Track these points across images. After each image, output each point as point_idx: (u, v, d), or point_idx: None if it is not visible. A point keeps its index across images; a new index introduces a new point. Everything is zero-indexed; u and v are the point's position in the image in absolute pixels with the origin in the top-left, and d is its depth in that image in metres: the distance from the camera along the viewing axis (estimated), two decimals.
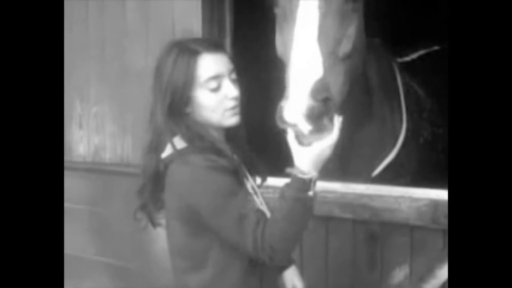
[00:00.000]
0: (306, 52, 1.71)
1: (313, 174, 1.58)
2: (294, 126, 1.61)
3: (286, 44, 1.83)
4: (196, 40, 1.75)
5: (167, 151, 1.66)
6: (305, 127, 1.60)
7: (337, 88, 1.84)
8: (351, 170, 2.58)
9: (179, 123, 1.66)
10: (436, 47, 3.58)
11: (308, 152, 1.59)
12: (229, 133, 1.76)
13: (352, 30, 1.93)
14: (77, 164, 3.35)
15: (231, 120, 1.69)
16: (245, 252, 1.60)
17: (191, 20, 2.78)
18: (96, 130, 3.28)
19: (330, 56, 1.80)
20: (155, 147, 1.69)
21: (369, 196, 2.40)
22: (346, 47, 1.90)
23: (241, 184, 1.67)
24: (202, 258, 1.66)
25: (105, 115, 3.24)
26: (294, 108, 1.61)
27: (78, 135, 3.35)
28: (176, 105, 1.65)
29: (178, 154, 1.64)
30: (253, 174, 1.82)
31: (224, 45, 2.03)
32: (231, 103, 1.67)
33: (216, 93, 1.66)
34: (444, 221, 2.17)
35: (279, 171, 1.78)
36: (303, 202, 1.57)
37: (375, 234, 2.43)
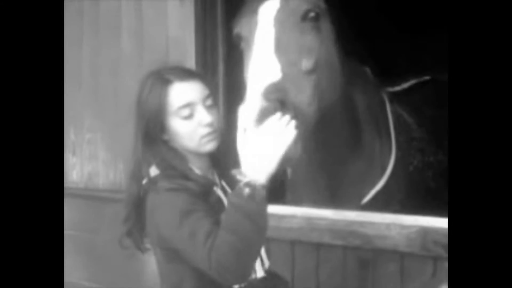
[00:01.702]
0: (263, 62, 1.81)
1: (256, 178, 1.50)
2: (245, 127, 1.60)
3: (247, 65, 1.93)
4: (170, 69, 1.78)
5: (145, 179, 1.70)
6: (254, 128, 1.58)
7: (304, 99, 1.90)
8: (340, 197, 2.60)
9: (156, 151, 1.70)
10: (427, 77, 3.63)
11: (252, 155, 1.53)
12: (213, 158, 1.78)
13: (313, 45, 2.02)
14: (70, 190, 3.35)
15: (207, 146, 1.71)
16: (201, 270, 1.57)
17: (184, 49, 2.84)
18: (89, 157, 3.30)
19: (291, 66, 1.89)
20: (137, 175, 1.72)
21: (360, 223, 2.42)
22: (308, 62, 1.99)
23: (204, 205, 1.64)
24: (179, 284, 1.68)
25: (98, 142, 3.26)
26: (248, 109, 1.63)
27: (72, 162, 3.37)
28: (151, 133, 1.69)
29: (152, 181, 1.67)
30: None
31: (199, 73, 2.07)
32: (206, 130, 1.69)
33: (189, 121, 1.69)
34: (433, 248, 2.19)
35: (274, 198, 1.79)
36: (242, 208, 1.49)
37: (366, 260, 2.43)
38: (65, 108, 3.32)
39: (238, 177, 1.53)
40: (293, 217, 2.56)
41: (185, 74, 1.76)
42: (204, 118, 1.69)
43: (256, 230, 1.51)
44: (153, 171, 1.69)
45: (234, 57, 3.00)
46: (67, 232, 3.31)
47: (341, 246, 2.47)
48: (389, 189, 2.70)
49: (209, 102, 1.73)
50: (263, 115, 1.61)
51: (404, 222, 2.35)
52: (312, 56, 2.00)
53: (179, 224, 1.57)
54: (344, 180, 2.56)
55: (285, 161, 1.56)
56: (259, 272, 1.74)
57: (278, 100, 1.69)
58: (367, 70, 2.89)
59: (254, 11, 1.99)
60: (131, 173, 1.74)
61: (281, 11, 1.97)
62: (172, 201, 1.61)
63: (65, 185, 3.34)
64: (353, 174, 2.58)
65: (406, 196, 2.80)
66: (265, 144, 1.53)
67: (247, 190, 1.49)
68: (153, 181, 1.67)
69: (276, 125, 1.56)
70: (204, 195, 1.67)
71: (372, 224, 2.40)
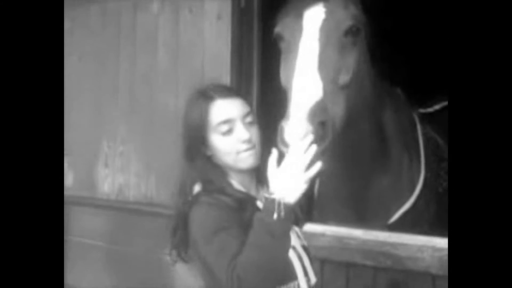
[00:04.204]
0: (307, 78, 1.81)
1: (281, 196, 1.54)
2: (290, 147, 1.62)
3: (289, 74, 1.92)
4: (214, 87, 1.84)
5: (190, 196, 1.75)
6: (299, 150, 1.60)
7: (337, 114, 1.90)
8: (367, 216, 2.58)
9: (198, 167, 1.76)
10: None
11: (281, 173, 1.57)
12: (258, 175, 1.82)
13: (351, 61, 2.02)
14: (100, 201, 3.39)
15: (246, 162, 1.75)
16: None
17: (220, 65, 2.87)
18: (121, 169, 3.33)
19: (330, 84, 1.89)
20: (183, 191, 1.77)
21: (391, 244, 2.39)
22: (345, 76, 1.99)
23: (240, 221, 1.67)
24: None
25: (130, 155, 3.29)
26: (293, 129, 1.65)
27: (104, 173, 3.41)
28: (194, 148, 1.76)
29: (193, 198, 1.72)
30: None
31: (238, 91, 2.11)
32: (244, 146, 1.73)
33: (228, 137, 1.74)
34: None
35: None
36: (266, 225, 1.53)
37: (397, 282, 2.40)
38: (100, 120, 3.41)
39: (266, 195, 1.57)
40: (322, 235, 2.54)
41: (227, 91, 1.82)
42: (242, 134, 1.73)
43: (279, 248, 1.55)
44: (197, 187, 1.74)
45: (269, 75, 3.04)
46: (97, 243, 3.37)
47: (372, 266, 2.44)
48: (417, 209, 2.67)
49: (248, 119, 1.77)
50: (306, 137, 1.63)
51: (437, 244, 2.31)
52: (349, 72, 2.00)
53: (210, 239, 1.60)
54: (372, 198, 2.55)
55: (313, 181, 1.58)
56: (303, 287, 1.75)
57: (322, 123, 1.70)
58: (398, 90, 2.88)
59: (299, 15, 1.98)
60: (178, 189, 1.79)
61: (326, 22, 1.96)
62: (206, 216, 1.65)
63: (96, 196, 3.40)
64: (380, 192, 2.56)
65: (435, 218, 2.76)
66: (297, 164, 1.57)
67: (273, 209, 1.53)
68: (196, 197, 1.71)
69: (309, 147, 1.60)
70: (240, 210, 1.69)
71: (403, 245, 2.37)
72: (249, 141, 1.73)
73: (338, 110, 1.92)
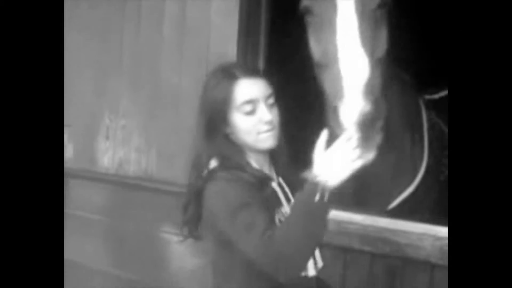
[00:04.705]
0: (352, 55, 1.77)
1: (325, 178, 1.55)
2: (345, 129, 1.60)
3: (326, 49, 1.89)
4: (237, 66, 1.87)
5: (206, 171, 1.75)
6: (355, 133, 1.58)
7: (378, 90, 1.85)
8: (367, 200, 2.57)
9: (216, 143, 1.76)
10: None
11: (329, 156, 1.56)
12: (272, 156, 1.83)
13: (384, 34, 1.99)
14: (99, 175, 3.37)
15: (266, 143, 1.76)
16: (253, 262, 1.60)
17: (226, 43, 2.82)
18: (122, 143, 3.31)
19: (371, 58, 1.84)
20: (197, 166, 1.78)
21: (391, 231, 2.38)
22: (381, 50, 1.95)
23: (260, 198, 1.69)
24: (229, 273, 1.72)
25: (132, 129, 3.26)
26: (350, 109, 1.62)
27: (104, 147, 3.38)
28: (214, 125, 1.76)
29: (211, 172, 1.73)
30: None
31: (261, 72, 2.09)
32: (265, 127, 1.75)
33: (250, 117, 1.74)
34: None
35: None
36: (308, 206, 1.55)
37: (394, 269, 2.39)
38: (102, 92, 3.37)
39: (310, 176, 1.57)
40: None
41: (251, 71, 1.83)
42: (264, 115, 1.74)
43: (318, 229, 1.57)
44: (213, 163, 1.74)
45: (275, 54, 3.00)
46: (94, 216, 3.36)
47: (370, 252, 2.43)
48: (418, 196, 2.66)
49: (270, 100, 1.78)
50: (366, 120, 1.61)
51: (438, 233, 2.30)
52: (384, 45, 1.96)
53: (235, 215, 1.61)
54: (372, 183, 2.52)
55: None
56: (311, 271, 1.77)
57: (376, 100, 1.68)
58: (405, 75, 2.84)
59: None
60: (193, 164, 1.80)
61: None
62: (228, 192, 1.66)
63: (96, 169, 3.38)
64: (381, 177, 2.54)
65: (437, 206, 2.74)
66: (348, 149, 1.56)
67: (317, 190, 1.54)
68: (212, 172, 1.72)
69: (372, 137, 1.61)
70: (259, 188, 1.71)
71: (404, 232, 2.36)
72: (270, 122, 1.75)
73: (379, 88, 1.85)
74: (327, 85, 1.85)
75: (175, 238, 3.17)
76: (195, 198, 1.77)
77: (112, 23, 3.32)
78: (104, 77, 3.38)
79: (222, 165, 1.73)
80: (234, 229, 1.62)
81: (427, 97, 3.25)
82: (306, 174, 1.58)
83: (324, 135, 1.60)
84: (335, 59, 1.80)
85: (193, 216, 1.80)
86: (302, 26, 2.10)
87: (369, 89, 1.68)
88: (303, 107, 2.63)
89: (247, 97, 1.74)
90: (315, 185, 1.54)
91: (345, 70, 1.74)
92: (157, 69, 3.14)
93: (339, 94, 1.71)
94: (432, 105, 3.08)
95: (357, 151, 1.56)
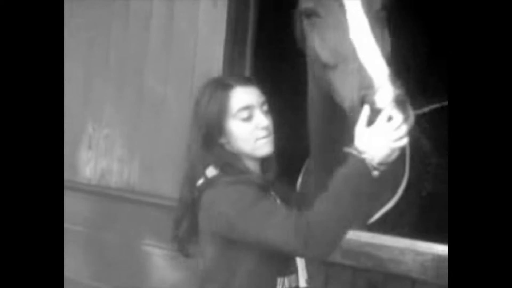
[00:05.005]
0: (369, 51, 1.79)
1: (370, 155, 1.55)
2: (382, 111, 1.59)
3: (335, 49, 1.90)
4: (230, 76, 1.93)
5: (201, 180, 1.75)
6: (396, 113, 1.58)
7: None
8: None
9: (213, 153, 1.77)
10: (447, 103, 3.61)
11: (371, 132, 1.57)
12: (263, 165, 1.83)
13: (387, 34, 2.00)
14: (81, 185, 3.34)
15: (263, 150, 1.78)
16: (276, 248, 1.59)
17: (212, 55, 2.83)
18: (104, 153, 3.28)
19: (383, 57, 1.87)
20: (191, 178, 1.78)
21: (373, 245, 2.38)
22: (386, 50, 1.94)
23: (268, 196, 1.71)
24: (229, 281, 1.71)
25: (115, 138, 3.24)
26: (384, 93, 1.62)
27: (86, 156, 3.35)
28: (210, 136, 1.76)
29: (209, 181, 1.73)
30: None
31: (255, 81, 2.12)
32: (262, 133, 1.77)
33: (247, 123, 1.76)
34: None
35: None
36: (353, 181, 1.55)
37: (376, 283, 2.39)
38: (86, 100, 3.34)
39: (354, 152, 1.57)
40: None
41: (245, 79, 1.87)
42: (261, 121, 1.76)
43: (358, 206, 1.57)
44: (211, 171, 1.75)
45: (261, 67, 3.01)
46: (75, 228, 3.32)
47: (351, 266, 2.43)
48: (399, 211, 2.66)
49: (265, 107, 1.80)
50: (401, 101, 1.60)
51: (419, 248, 2.31)
52: (389, 45, 1.96)
53: (251, 208, 1.61)
54: None
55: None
56: (302, 283, 1.77)
57: (401, 87, 1.68)
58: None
59: None
60: (185, 176, 1.80)
61: None
62: (239, 190, 1.66)
63: (77, 179, 3.34)
64: None
65: (419, 221, 2.75)
66: (388, 128, 1.56)
67: (361, 165, 1.55)
68: (211, 179, 1.72)
69: (408, 113, 1.60)
70: (262, 188, 1.71)
71: (386, 247, 2.37)
72: (267, 128, 1.77)
73: None
74: (338, 83, 1.85)
75: (156, 251, 3.16)
76: (189, 210, 1.77)
77: (98, 31, 3.31)
78: (88, 84, 3.36)
79: (224, 171, 1.73)
80: (251, 221, 1.60)
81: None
82: (349, 150, 1.58)
83: (366, 110, 1.60)
84: (348, 57, 1.81)
85: (187, 230, 1.79)
86: (291, 34, 2.13)
87: (393, 77, 1.68)
88: (290, 117, 2.64)
89: (243, 103, 1.75)
90: (361, 161, 1.55)
91: (366, 63, 1.74)
92: (142, 79, 3.13)
93: (363, 85, 1.69)
94: (415, 121, 3.10)
95: (400, 131, 1.56)
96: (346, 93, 1.79)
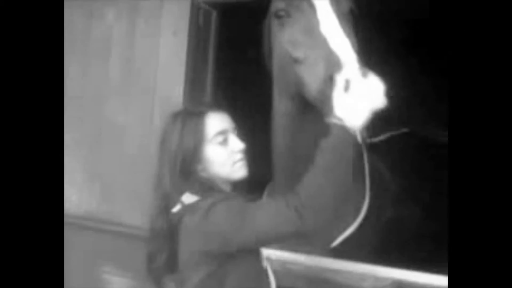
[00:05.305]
0: (338, 39, 1.89)
1: (351, 121, 1.58)
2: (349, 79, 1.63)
3: (304, 44, 2.01)
4: (197, 105, 1.94)
5: (177, 207, 1.74)
6: (370, 75, 1.63)
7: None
8: (310, 237, 2.58)
9: (191, 181, 1.77)
10: (405, 130, 3.69)
11: (349, 97, 1.59)
12: (235, 189, 1.85)
13: (353, 37, 2.08)
14: None
15: (239, 173, 1.81)
16: (276, 236, 1.62)
17: (173, 83, 2.84)
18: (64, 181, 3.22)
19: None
20: (164, 207, 1.77)
21: (334, 271, 2.40)
22: (354, 47, 2.03)
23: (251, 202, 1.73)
24: None
25: (74, 166, 3.18)
26: (352, 66, 1.69)
27: None
28: (187, 164, 1.76)
29: (188, 207, 1.72)
30: None
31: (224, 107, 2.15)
32: (238, 156, 1.80)
33: (224, 147, 1.79)
34: None
35: None
36: (339, 149, 1.57)
37: None
38: None
39: (335, 121, 1.58)
40: (267, 259, 2.53)
41: (215, 106, 1.89)
42: (236, 144, 1.80)
43: (347, 172, 1.60)
44: (188, 198, 1.74)
45: (220, 91, 3.03)
46: None
47: None
48: (360, 236, 2.69)
49: (236, 132, 1.84)
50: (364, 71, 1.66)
51: (379, 273, 2.34)
52: (355, 46, 2.03)
53: (242, 216, 1.62)
54: None
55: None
56: None
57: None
58: None
59: None
60: (157, 207, 1.79)
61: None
62: (225, 208, 1.66)
63: None
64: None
65: (380, 246, 2.79)
66: (361, 95, 1.59)
67: (345, 132, 1.57)
68: (192, 205, 1.71)
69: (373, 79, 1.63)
70: None
71: (345, 272, 2.39)
72: (243, 151, 1.80)
73: None
74: (306, 74, 1.93)
75: (116, 279, 3.09)
76: (167, 240, 1.75)
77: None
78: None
79: (203, 196, 1.72)
80: (247, 229, 1.61)
81: (368, 140, 3.33)
82: (330, 119, 1.60)
83: (340, 79, 1.63)
84: (317, 47, 1.91)
85: (166, 260, 1.77)
86: (252, 60, 2.20)
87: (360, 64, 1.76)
88: (255, 143, 2.67)
89: (219, 128, 1.79)
90: (344, 127, 1.57)
91: (335, 48, 1.84)
92: (102, 105, 3.11)
93: (331, 64, 1.78)
94: (373, 148, 3.16)
95: (377, 90, 1.60)
96: (314, 78, 1.86)
